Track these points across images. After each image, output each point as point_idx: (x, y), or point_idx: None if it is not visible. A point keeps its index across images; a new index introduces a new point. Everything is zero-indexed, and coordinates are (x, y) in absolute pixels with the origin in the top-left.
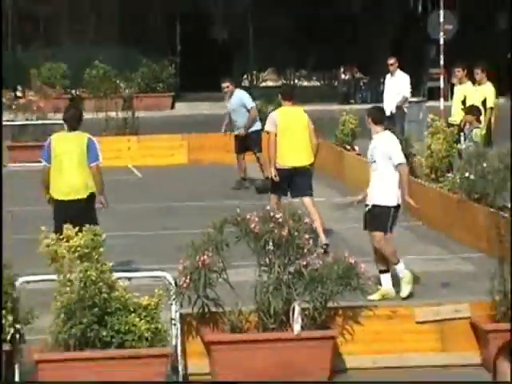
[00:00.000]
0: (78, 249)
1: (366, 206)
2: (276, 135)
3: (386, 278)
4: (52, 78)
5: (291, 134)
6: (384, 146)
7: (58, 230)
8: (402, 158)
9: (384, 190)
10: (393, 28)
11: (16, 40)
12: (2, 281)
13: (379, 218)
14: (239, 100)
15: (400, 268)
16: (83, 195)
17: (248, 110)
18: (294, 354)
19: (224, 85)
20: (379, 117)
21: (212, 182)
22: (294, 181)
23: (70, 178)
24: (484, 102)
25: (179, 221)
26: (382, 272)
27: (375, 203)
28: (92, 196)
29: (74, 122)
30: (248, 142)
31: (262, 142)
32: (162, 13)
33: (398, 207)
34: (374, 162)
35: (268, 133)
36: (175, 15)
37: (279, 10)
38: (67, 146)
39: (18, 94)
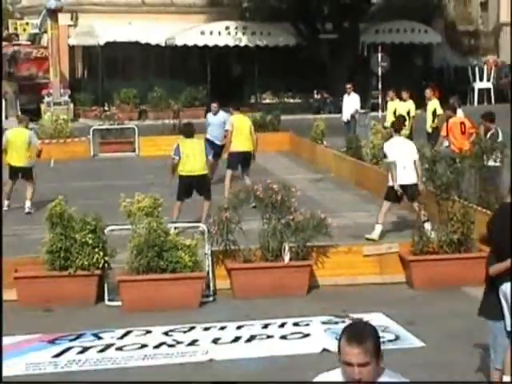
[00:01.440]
0: (145, 208)
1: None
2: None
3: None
4: (127, 99)
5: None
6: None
7: (181, 196)
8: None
9: None
10: (349, 64)
11: (104, 74)
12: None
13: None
14: (222, 118)
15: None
16: (202, 172)
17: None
18: (285, 276)
19: (214, 104)
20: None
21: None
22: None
23: (194, 164)
24: (408, 113)
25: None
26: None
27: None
28: (206, 175)
29: (190, 133)
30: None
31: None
32: (198, 56)
33: None
34: None
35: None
36: (206, 58)
37: (274, 56)
38: (192, 147)
39: (106, 108)
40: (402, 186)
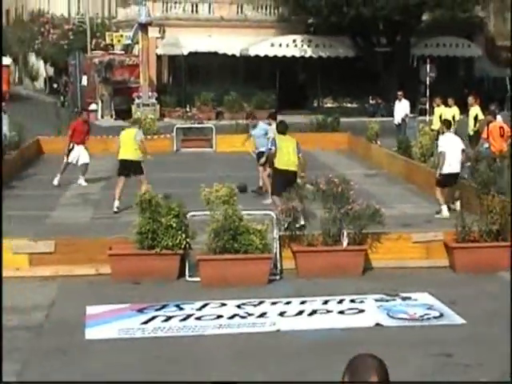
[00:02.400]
0: (222, 197)
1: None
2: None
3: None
4: (206, 101)
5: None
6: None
7: (280, 188)
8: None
9: None
10: (400, 74)
11: (186, 79)
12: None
13: None
14: (263, 130)
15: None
16: (295, 168)
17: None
18: (343, 259)
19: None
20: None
21: None
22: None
23: (289, 157)
24: (453, 118)
25: None
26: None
27: None
28: (297, 172)
29: (284, 129)
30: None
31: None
32: (268, 65)
33: None
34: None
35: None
36: (275, 67)
37: (334, 66)
38: (286, 143)
39: (187, 109)
40: (449, 174)
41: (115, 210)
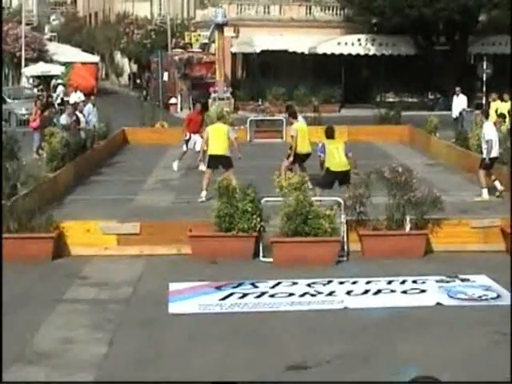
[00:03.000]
0: (294, 184)
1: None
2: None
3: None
4: (277, 95)
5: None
6: None
7: (325, 186)
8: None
9: None
10: (457, 70)
11: (259, 75)
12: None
13: None
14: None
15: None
16: (347, 168)
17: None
18: (405, 242)
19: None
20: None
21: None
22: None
23: (340, 159)
24: (508, 112)
25: None
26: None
27: None
28: (349, 170)
29: (332, 135)
30: None
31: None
32: (334, 62)
33: None
34: None
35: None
36: (341, 64)
37: (396, 63)
38: (335, 145)
39: (259, 103)
40: (494, 158)
41: (202, 199)
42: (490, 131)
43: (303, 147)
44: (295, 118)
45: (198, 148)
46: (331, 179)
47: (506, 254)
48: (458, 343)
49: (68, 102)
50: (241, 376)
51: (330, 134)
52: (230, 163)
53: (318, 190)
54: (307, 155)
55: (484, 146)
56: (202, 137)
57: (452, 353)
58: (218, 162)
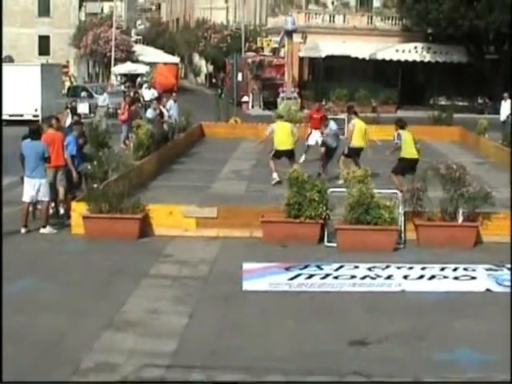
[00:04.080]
0: (358, 177)
1: None
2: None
3: None
4: (339, 96)
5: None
6: None
7: (400, 172)
8: None
9: None
10: (506, 77)
11: (323, 78)
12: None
13: None
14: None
15: None
16: (418, 157)
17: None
18: (458, 233)
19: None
20: None
21: None
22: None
23: (412, 149)
24: None
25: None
26: None
27: None
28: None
29: (405, 124)
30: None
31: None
32: (392, 68)
33: None
34: None
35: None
36: (399, 69)
37: (449, 70)
38: (408, 136)
39: (323, 103)
40: None
41: (276, 179)
42: None
43: (358, 141)
44: (355, 114)
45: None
46: (407, 166)
47: None
48: (508, 324)
49: (152, 98)
50: (309, 347)
51: (402, 125)
52: (294, 155)
53: (395, 178)
54: (361, 149)
55: None
56: (322, 133)
57: (504, 333)
58: (283, 155)
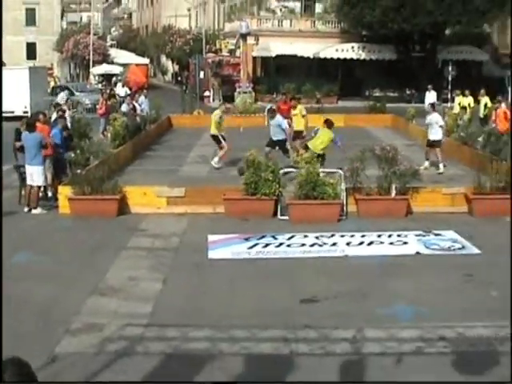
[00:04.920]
0: (306, 159)
1: None
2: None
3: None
4: (288, 90)
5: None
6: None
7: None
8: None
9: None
10: (429, 72)
11: (274, 74)
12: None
13: None
14: (278, 122)
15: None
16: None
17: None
18: (392, 205)
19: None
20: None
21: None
22: None
23: (319, 144)
24: (469, 105)
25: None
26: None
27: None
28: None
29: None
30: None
31: None
32: (333, 65)
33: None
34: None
35: None
36: (339, 66)
37: (381, 66)
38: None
39: (274, 96)
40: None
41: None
42: (439, 118)
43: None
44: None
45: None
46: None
47: (468, 215)
48: (436, 282)
49: (126, 95)
50: (267, 306)
51: (329, 124)
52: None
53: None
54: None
55: (435, 130)
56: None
57: (432, 288)
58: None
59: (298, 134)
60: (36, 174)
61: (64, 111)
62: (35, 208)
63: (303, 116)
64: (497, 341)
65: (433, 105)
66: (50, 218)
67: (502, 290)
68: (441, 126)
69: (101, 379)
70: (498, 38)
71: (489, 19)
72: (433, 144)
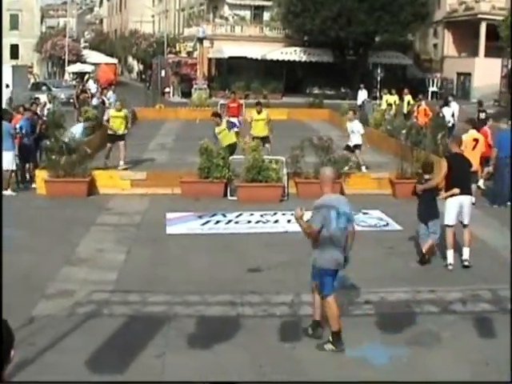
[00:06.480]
0: (252, 147)
1: None
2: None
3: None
4: (239, 87)
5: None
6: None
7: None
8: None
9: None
10: (361, 73)
11: (226, 73)
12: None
13: None
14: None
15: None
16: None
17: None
18: None
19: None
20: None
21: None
22: None
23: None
24: (394, 102)
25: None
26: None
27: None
28: None
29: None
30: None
31: None
32: (279, 66)
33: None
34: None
35: None
36: (283, 67)
37: (320, 67)
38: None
39: (227, 92)
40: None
41: None
42: (361, 127)
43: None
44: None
45: None
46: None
47: (392, 197)
48: (363, 253)
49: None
50: (218, 274)
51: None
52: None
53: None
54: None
55: (356, 137)
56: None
57: (360, 259)
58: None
59: (264, 140)
60: (5, 159)
61: (38, 104)
62: (6, 189)
63: (269, 121)
64: (414, 303)
65: (354, 112)
66: (28, 197)
67: (417, 258)
68: (362, 135)
69: (72, 338)
70: (420, 45)
71: (412, 29)
72: (354, 149)
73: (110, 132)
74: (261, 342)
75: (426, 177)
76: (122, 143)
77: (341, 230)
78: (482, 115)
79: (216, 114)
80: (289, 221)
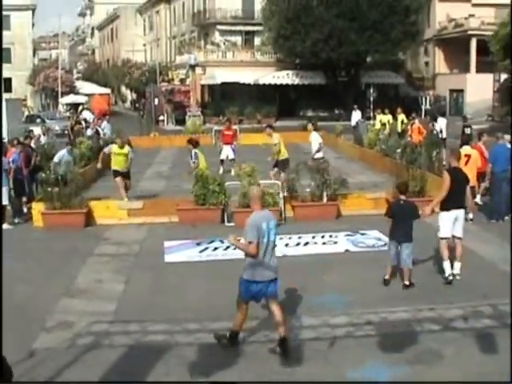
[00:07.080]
0: (247, 172)
1: None
2: None
3: None
4: (232, 112)
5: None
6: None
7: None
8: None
9: None
10: (354, 94)
11: (220, 99)
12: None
13: None
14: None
15: None
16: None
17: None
18: (324, 210)
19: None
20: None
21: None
22: None
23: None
24: (388, 121)
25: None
26: None
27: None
28: None
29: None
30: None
31: None
32: (271, 89)
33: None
34: None
35: None
36: (276, 90)
37: (313, 89)
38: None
39: (220, 118)
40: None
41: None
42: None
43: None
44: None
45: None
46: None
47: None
48: (363, 274)
49: (86, 120)
50: (217, 301)
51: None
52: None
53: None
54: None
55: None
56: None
57: (360, 280)
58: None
59: (284, 162)
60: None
61: (31, 137)
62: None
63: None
64: (414, 322)
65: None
66: (25, 229)
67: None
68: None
69: (73, 370)
70: (411, 64)
71: (402, 48)
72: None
73: (114, 168)
74: (262, 368)
75: (402, 197)
76: (128, 182)
77: (273, 242)
78: (467, 130)
79: (192, 141)
80: (287, 245)
